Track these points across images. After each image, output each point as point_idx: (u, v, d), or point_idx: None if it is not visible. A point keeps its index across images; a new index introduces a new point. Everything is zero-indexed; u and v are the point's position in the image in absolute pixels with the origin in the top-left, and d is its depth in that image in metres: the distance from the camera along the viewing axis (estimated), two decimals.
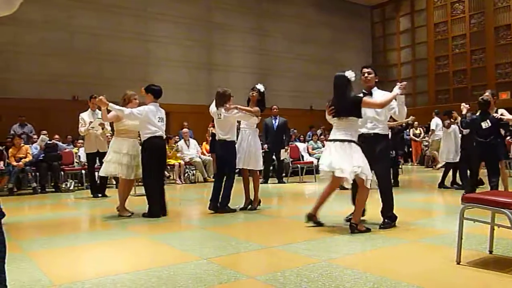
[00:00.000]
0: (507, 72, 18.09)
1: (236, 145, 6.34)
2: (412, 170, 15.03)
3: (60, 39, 14.26)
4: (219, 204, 6.18)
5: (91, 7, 14.87)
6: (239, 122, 6.60)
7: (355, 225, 4.63)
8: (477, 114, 7.19)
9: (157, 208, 5.91)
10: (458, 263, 3.34)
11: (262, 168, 6.69)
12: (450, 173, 8.93)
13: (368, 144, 4.85)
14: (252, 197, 6.48)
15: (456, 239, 3.37)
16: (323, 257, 3.66)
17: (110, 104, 5.83)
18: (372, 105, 4.79)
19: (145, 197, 6.07)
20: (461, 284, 2.99)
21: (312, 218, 4.97)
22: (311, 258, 3.65)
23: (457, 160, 8.68)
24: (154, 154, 5.95)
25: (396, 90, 4.78)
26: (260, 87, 6.48)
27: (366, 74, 5.01)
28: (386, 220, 4.89)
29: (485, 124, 6.94)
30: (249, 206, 6.41)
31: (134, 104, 6.21)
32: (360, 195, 4.73)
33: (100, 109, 6.56)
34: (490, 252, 3.64)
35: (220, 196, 6.20)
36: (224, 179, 6.28)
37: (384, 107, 4.81)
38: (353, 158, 4.58)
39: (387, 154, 5.10)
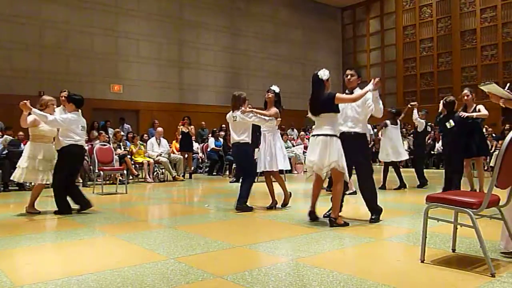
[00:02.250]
0: (472, 75, 18.61)
1: (260, 148, 6.50)
2: (380, 170, 15.26)
3: (28, 33, 13.90)
4: (236, 203, 6.22)
5: (60, 1, 14.54)
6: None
7: (334, 219, 4.89)
8: (442, 114, 7.40)
9: (65, 205, 6.07)
10: (423, 261, 3.41)
11: (288, 168, 6.77)
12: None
13: (348, 142, 5.07)
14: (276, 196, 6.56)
15: (421, 238, 3.45)
16: (291, 256, 3.67)
17: (34, 109, 5.78)
18: (345, 100, 4.99)
19: (113, 195, 5.98)
20: (425, 282, 3.05)
21: (312, 215, 5.16)
22: (279, 257, 3.66)
23: (394, 159, 8.97)
24: (73, 161, 6.11)
25: (369, 85, 4.91)
26: (275, 88, 6.49)
27: (349, 76, 5.26)
28: (373, 216, 5.19)
29: (449, 124, 7.11)
30: (276, 206, 6.43)
31: (50, 109, 6.20)
32: (334, 189, 5.01)
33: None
34: (453, 250, 3.73)
35: (237, 196, 6.27)
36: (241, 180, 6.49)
37: (356, 101, 5.00)
38: (330, 153, 4.84)
39: (366, 152, 5.35)
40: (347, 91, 5.29)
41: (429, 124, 9.93)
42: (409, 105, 9.29)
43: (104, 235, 4.81)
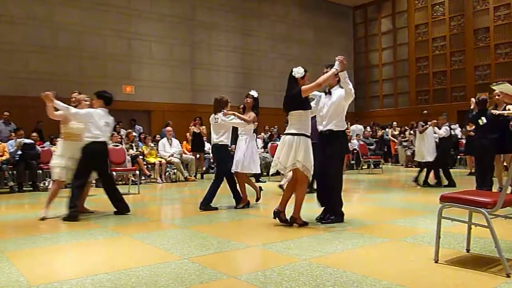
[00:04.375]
0: (485, 74, 18.40)
1: (236, 149, 6.73)
2: (392, 170, 15.19)
3: (42, 36, 14.04)
4: (201, 202, 6.37)
5: (73, 4, 14.66)
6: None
7: (295, 218, 5.00)
8: (474, 111, 7.57)
9: (76, 213, 5.70)
10: (436, 261, 3.39)
11: (259, 171, 7.00)
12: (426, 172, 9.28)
13: (324, 140, 5.08)
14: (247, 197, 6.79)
15: (435, 238, 3.42)
16: (304, 256, 3.67)
17: (56, 101, 5.72)
18: (312, 88, 4.90)
19: (126, 196, 6.02)
20: (439, 282, 3.03)
21: (279, 214, 5.11)
22: (292, 257, 3.67)
23: (429, 160, 9.18)
24: (92, 160, 5.89)
25: (335, 66, 4.82)
26: (254, 93, 6.71)
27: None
28: (332, 217, 5.13)
29: (481, 121, 7.23)
30: (243, 206, 6.69)
31: (84, 106, 6.16)
32: (297, 190, 5.01)
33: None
34: (468, 250, 3.70)
35: (204, 195, 6.43)
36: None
37: (323, 85, 4.90)
38: (296, 152, 4.79)
39: (338, 150, 5.16)
40: (326, 90, 5.23)
41: (451, 127, 9.99)
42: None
43: (118, 235, 4.86)
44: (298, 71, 4.96)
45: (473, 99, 7.88)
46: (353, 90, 5.02)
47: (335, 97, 5.07)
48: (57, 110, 5.96)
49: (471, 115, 7.70)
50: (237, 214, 6.14)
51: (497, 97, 7.26)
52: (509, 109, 7.08)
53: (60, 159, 6.02)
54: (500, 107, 7.24)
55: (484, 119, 7.21)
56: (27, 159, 9.68)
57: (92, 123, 5.87)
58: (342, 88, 5.05)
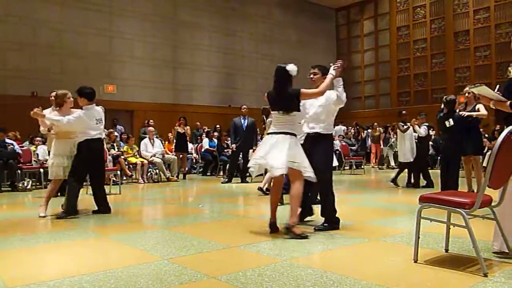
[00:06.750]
0: (465, 76, 18.70)
1: None
2: (373, 171, 15.32)
3: (22, 33, 13.81)
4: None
5: (54, 1, 14.47)
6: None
7: (290, 227, 4.40)
8: (443, 112, 7.41)
9: (74, 209, 5.81)
10: (416, 261, 3.42)
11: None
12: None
13: (309, 143, 4.83)
14: None
15: (414, 238, 3.46)
16: (285, 257, 3.68)
17: (47, 115, 5.75)
18: (312, 95, 4.67)
19: (107, 196, 5.96)
20: (418, 282, 3.06)
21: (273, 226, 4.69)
22: (273, 258, 3.66)
23: (411, 160, 9.20)
24: (89, 157, 5.93)
25: (331, 71, 4.66)
26: None
27: (312, 75, 4.95)
28: (325, 224, 4.82)
29: (448, 123, 7.13)
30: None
31: (69, 103, 6.04)
32: (293, 190, 4.49)
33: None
34: (446, 250, 3.75)
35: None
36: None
37: (324, 93, 4.66)
38: (288, 151, 4.40)
39: (327, 152, 4.92)
40: None
41: (430, 126, 10.08)
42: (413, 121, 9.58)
43: (97, 236, 4.80)
44: (293, 68, 4.60)
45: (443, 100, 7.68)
46: (344, 96, 4.78)
47: (324, 99, 4.82)
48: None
49: (439, 116, 7.53)
50: (219, 214, 6.13)
51: (467, 94, 7.21)
52: (478, 109, 7.03)
53: (58, 158, 5.92)
54: (470, 106, 7.20)
55: (451, 121, 7.11)
56: (4, 157, 9.50)
57: (85, 125, 5.90)
58: (331, 90, 4.83)
